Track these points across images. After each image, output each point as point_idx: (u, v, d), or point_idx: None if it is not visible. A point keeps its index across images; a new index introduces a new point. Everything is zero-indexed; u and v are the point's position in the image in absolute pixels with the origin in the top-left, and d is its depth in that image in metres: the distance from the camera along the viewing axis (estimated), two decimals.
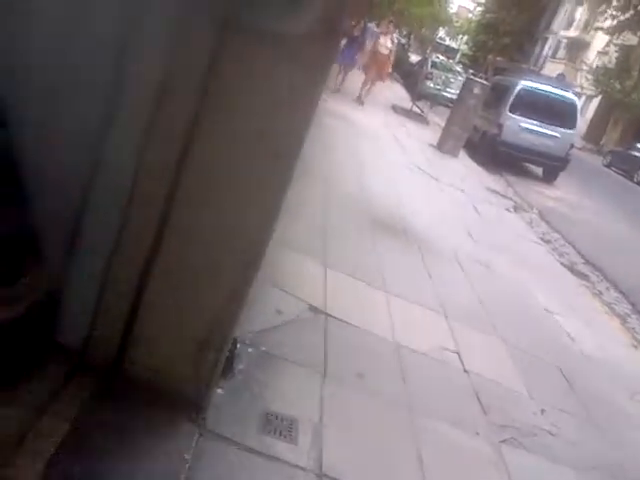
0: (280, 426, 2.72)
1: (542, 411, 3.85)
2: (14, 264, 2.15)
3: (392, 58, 16.61)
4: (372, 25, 24.38)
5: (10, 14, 2.02)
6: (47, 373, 2.30)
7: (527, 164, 16.22)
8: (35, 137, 2.17)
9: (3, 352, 2.06)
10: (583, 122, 32.64)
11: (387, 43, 16.07)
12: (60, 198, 2.23)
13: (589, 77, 37.65)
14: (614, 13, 35.56)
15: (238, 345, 2.99)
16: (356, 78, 17.01)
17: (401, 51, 24.72)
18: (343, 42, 14.87)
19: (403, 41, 27.32)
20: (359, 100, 15.42)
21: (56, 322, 2.37)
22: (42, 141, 2.18)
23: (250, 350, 3.16)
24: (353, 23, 17.60)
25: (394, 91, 22.89)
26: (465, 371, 3.97)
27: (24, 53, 2.11)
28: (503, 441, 3.37)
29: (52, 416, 2.16)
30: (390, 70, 17.48)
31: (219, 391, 2.71)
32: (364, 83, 15.83)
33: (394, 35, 16.77)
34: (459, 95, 14.04)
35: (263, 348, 3.24)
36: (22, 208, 2.16)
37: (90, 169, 2.20)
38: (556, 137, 14.95)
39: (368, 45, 17.65)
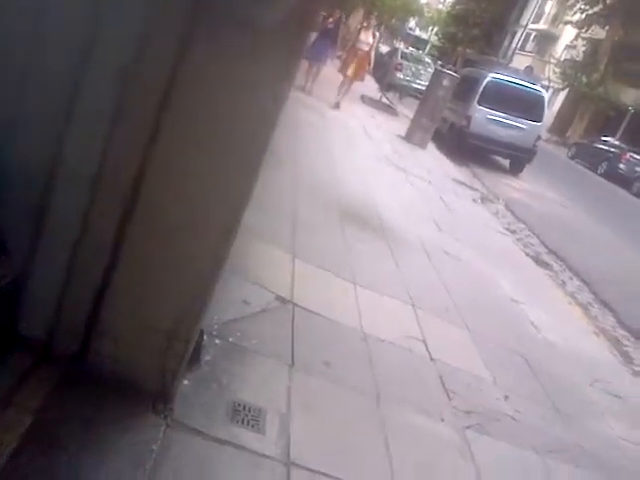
0: (247, 416, 2.73)
1: (506, 397, 3.93)
2: None
3: (372, 55, 15.20)
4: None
5: None
6: (10, 364, 2.28)
7: (494, 156, 16.39)
8: None
9: None
10: (550, 115, 33.09)
11: (368, 38, 14.80)
12: (24, 188, 2.21)
13: (557, 70, 38.09)
14: (583, 7, 36.04)
15: (205, 336, 2.98)
16: (330, 77, 15.76)
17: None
18: (313, 35, 13.75)
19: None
20: (336, 105, 13.71)
21: (20, 313, 2.35)
22: (5, 131, 2.16)
23: (217, 341, 3.17)
24: (325, 14, 16.24)
25: (363, 81, 22.85)
26: (431, 359, 4.02)
27: None
28: (468, 427, 3.43)
29: (15, 408, 2.15)
30: (370, 68, 15.85)
31: (186, 382, 2.71)
32: (341, 84, 14.33)
33: (375, 30, 15.73)
34: (428, 87, 14.15)
35: (230, 339, 3.25)
36: None
37: (54, 158, 2.18)
38: (523, 129, 15.13)
39: (344, 40, 16.21)
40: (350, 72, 14.29)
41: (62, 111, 2.15)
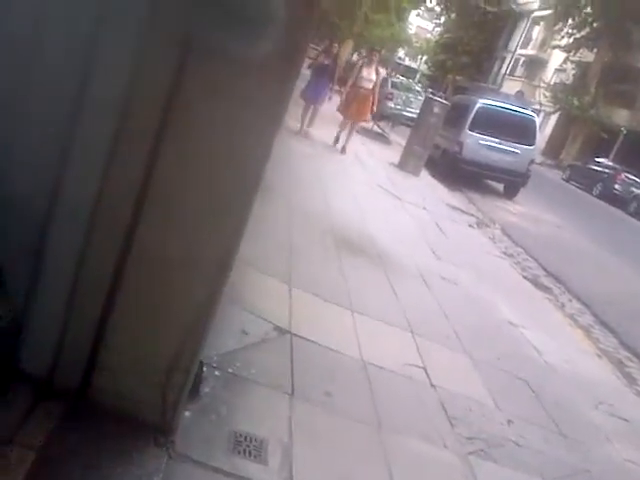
0: (249, 447, 2.72)
1: (509, 422, 3.91)
2: None
3: (377, 94, 13.00)
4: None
5: None
6: (12, 401, 2.28)
7: (488, 181, 16.48)
8: None
9: None
10: (542, 138, 33.38)
11: (371, 75, 12.69)
12: (21, 228, 2.22)
13: (547, 94, 38.49)
14: (570, 31, 36.59)
15: (205, 367, 2.98)
16: (328, 116, 14.63)
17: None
18: (308, 72, 13.20)
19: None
20: (342, 150, 12.43)
21: (21, 350, 2.35)
22: (2, 170, 2.18)
23: (217, 372, 3.16)
24: (320, 50, 15.26)
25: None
26: (432, 386, 4.01)
27: None
28: (471, 453, 3.41)
29: (19, 446, 2.15)
30: (374, 108, 13.27)
31: (187, 414, 2.70)
32: (341, 125, 12.99)
33: (379, 67, 13.23)
34: (419, 114, 14.26)
35: (230, 370, 3.24)
36: None
37: (52, 193, 2.21)
38: (516, 153, 15.25)
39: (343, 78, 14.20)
40: (352, 113, 12.73)
41: (58, 149, 2.18)
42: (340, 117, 13.34)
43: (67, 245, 2.28)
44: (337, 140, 12.87)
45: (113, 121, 2.15)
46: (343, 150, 12.42)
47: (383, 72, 13.92)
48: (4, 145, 2.18)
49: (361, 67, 12.93)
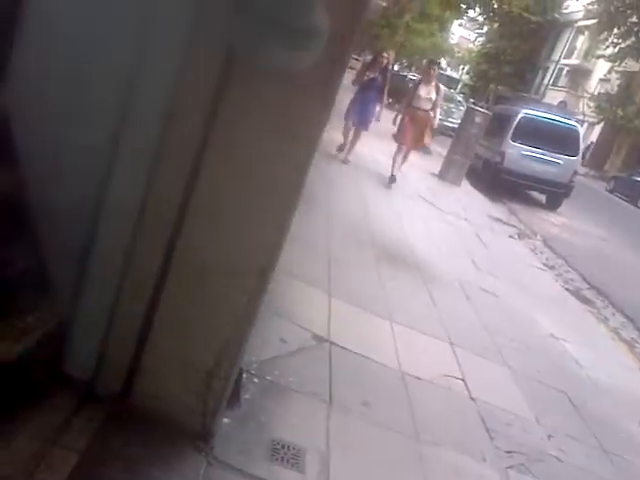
0: (287, 455, 2.74)
1: (549, 437, 3.85)
2: (25, 298, 2.20)
3: (437, 115, 10.91)
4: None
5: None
6: (56, 404, 2.33)
7: (530, 191, 16.28)
8: (42, 172, 2.24)
9: (14, 385, 2.10)
10: (586, 149, 32.82)
11: (430, 94, 10.55)
12: (68, 231, 2.28)
13: (591, 104, 37.91)
14: (615, 40, 35.91)
15: (244, 375, 3.01)
16: (375, 139, 13.10)
17: (403, 82, 24.80)
18: (354, 89, 11.10)
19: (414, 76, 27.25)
20: (391, 179, 10.29)
21: (65, 354, 2.41)
22: (49, 175, 2.25)
23: (256, 380, 3.19)
24: (366, 60, 13.16)
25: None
26: (471, 398, 3.97)
27: (32, 90, 2.19)
28: (510, 467, 3.37)
29: (62, 447, 2.19)
30: (432, 133, 11.19)
31: (226, 420, 2.73)
32: (396, 154, 10.58)
33: (438, 83, 11.02)
34: (460, 124, 14.20)
35: (269, 377, 3.27)
36: (32, 243, 2.22)
37: (97, 201, 2.27)
38: (559, 164, 15.03)
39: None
40: (408, 140, 10.60)
41: (106, 153, 2.24)
42: (394, 144, 11.13)
43: (112, 251, 2.34)
44: (392, 177, 10.35)
45: (158, 130, 2.20)
46: (392, 179, 10.28)
47: (444, 89, 11.32)
48: (53, 150, 2.25)
49: (417, 85, 10.90)
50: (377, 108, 10.97)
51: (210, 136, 2.20)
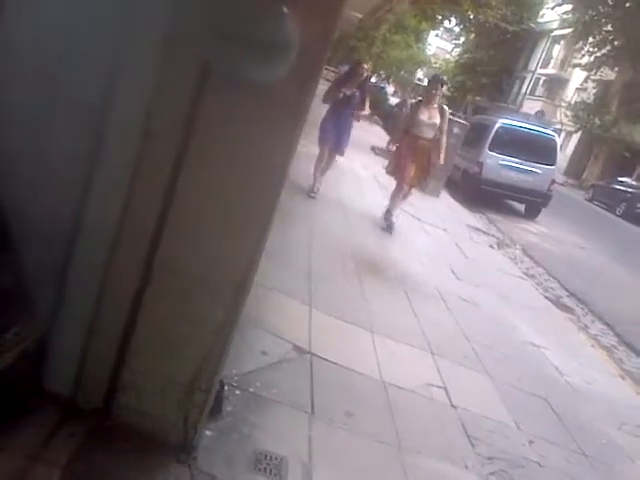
0: (270, 465, 2.75)
1: (530, 442, 3.89)
2: (3, 314, 2.20)
3: (444, 145, 8.34)
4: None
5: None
6: (37, 420, 2.34)
7: (509, 201, 16.42)
8: (20, 188, 2.24)
9: None
10: (564, 158, 33.23)
11: (433, 118, 8.13)
12: (46, 248, 2.29)
13: (568, 113, 38.33)
14: (591, 49, 36.42)
15: (225, 387, 3.02)
16: (350, 163, 11.89)
17: (380, 94, 24.92)
18: (326, 106, 8.99)
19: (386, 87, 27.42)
20: (388, 227, 8.37)
21: (44, 369, 2.41)
22: (27, 192, 2.26)
23: (237, 392, 3.20)
24: (340, 72, 11.56)
25: (373, 133, 22.87)
26: (452, 406, 4.01)
27: (7, 103, 2.20)
28: (492, 473, 3.40)
29: (44, 464, 2.20)
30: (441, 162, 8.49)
31: (208, 433, 2.74)
32: (394, 195, 8.51)
33: (443, 105, 8.55)
34: None
35: (250, 389, 3.28)
36: (10, 259, 2.22)
37: (75, 214, 2.28)
38: (537, 173, 15.18)
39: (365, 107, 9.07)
40: (407, 176, 8.27)
41: (82, 171, 2.26)
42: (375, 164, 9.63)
43: (90, 266, 2.36)
44: (389, 216, 8.49)
45: (135, 144, 2.23)
46: (389, 226, 8.35)
47: (448, 111, 8.51)
48: (30, 165, 2.26)
49: (417, 106, 8.30)
50: (350, 128, 9.15)
51: (186, 150, 2.23)
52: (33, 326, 2.33)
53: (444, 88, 8.64)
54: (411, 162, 8.19)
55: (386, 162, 9.16)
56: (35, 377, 2.40)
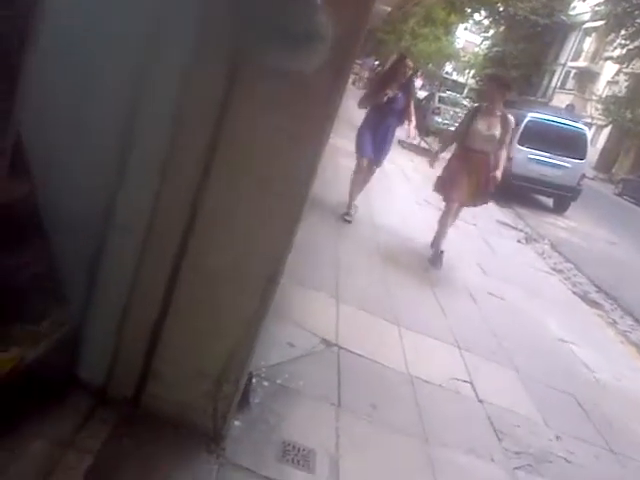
0: (297, 456, 2.78)
1: (557, 438, 3.87)
2: (39, 304, 2.26)
3: (503, 161, 6.73)
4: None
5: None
6: (71, 408, 2.39)
7: (538, 196, 16.26)
8: (54, 183, 2.29)
9: (29, 389, 2.16)
10: (594, 152, 32.74)
11: (493, 129, 6.63)
12: (81, 238, 2.34)
13: (599, 107, 37.81)
14: (623, 42, 35.82)
15: (254, 379, 3.06)
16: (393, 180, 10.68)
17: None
18: (367, 110, 7.61)
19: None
20: (436, 260, 6.82)
21: (78, 358, 2.47)
22: (61, 184, 2.31)
23: (265, 383, 3.24)
24: (379, 69, 9.56)
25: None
26: (479, 400, 4.01)
27: (43, 103, 2.24)
28: (518, 467, 3.40)
29: (77, 450, 2.25)
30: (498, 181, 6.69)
31: (237, 423, 2.78)
32: (444, 217, 7.11)
33: (507, 113, 6.85)
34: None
35: (278, 381, 3.32)
36: (46, 251, 2.28)
37: (108, 205, 2.32)
38: (566, 167, 14.99)
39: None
40: (458, 195, 6.89)
41: (115, 165, 2.30)
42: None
43: (123, 257, 2.40)
44: (438, 253, 6.92)
45: (167, 139, 2.26)
46: (437, 261, 6.82)
47: (513, 121, 6.95)
48: (65, 162, 2.31)
49: (474, 114, 6.90)
50: (392, 138, 7.78)
51: (217, 143, 2.25)
52: (68, 316, 2.38)
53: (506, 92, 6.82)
54: (463, 179, 6.79)
55: (416, 157, 8.46)
56: (69, 365, 2.46)
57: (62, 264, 2.36)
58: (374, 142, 7.41)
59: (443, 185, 7.09)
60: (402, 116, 7.52)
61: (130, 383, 2.54)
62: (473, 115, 6.88)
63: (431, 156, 7.61)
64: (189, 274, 2.41)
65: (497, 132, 6.61)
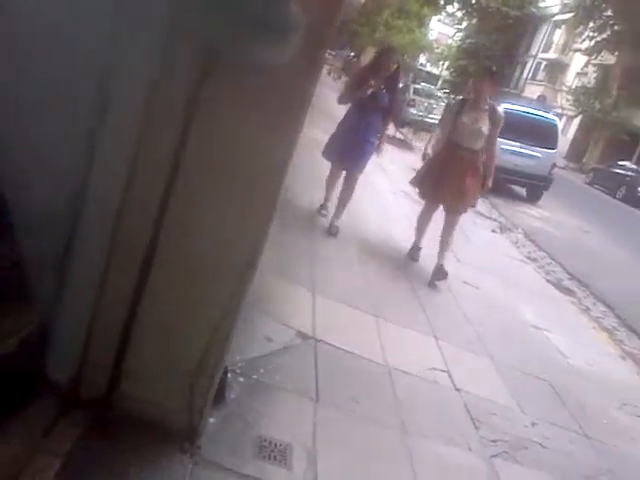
0: (274, 452, 2.75)
1: (533, 424, 3.90)
2: (5, 302, 2.20)
3: (494, 160, 6.35)
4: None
5: None
6: (39, 409, 2.33)
7: (511, 185, 16.38)
8: (20, 174, 2.23)
9: None
10: (565, 142, 33.10)
11: (481, 122, 6.04)
12: (47, 234, 2.29)
13: (569, 98, 38.21)
14: (591, 34, 36.30)
15: (229, 374, 3.02)
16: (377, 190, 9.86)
17: None
18: (350, 109, 6.67)
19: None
20: (440, 274, 6.03)
21: (47, 358, 2.41)
22: (27, 178, 2.25)
23: (241, 379, 3.20)
24: (354, 59, 8.08)
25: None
26: (456, 389, 4.02)
27: (5, 97, 2.19)
28: (495, 455, 3.42)
29: (45, 453, 2.18)
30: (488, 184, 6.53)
31: (212, 420, 2.74)
32: (423, 217, 6.70)
33: (495, 105, 6.20)
34: (440, 119, 14.22)
35: (254, 376, 3.29)
36: (12, 248, 2.22)
37: (76, 200, 2.27)
38: (538, 157, 15.13)
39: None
40: (445, 195, 6.34)
41: (82, 160, 2.24)
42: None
43: (92, 253, 2.33)
44: (417, 249, 6.75)
45: (136, 130, 2.21)
46: (438, 275, 6.06)
47: (501, 113, 6.16)
48: (30, 156, 2.25)
49: (460, 107, 6.29)
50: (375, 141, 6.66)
51: (189, 133, 2.21)
52: (35, 313, 2.33)
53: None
54: (446, 178, 6.22)
55: (392, 149, 7.25)
56: (37, 365, 2.40)
57: (30, 261, 2.30)
58: (352, 145, 6.45)
59: (422, 181, 6.56)
60: (387, 114, 6.58)
61: (102, 382, 2.48)
62: (459, 108, 6.28)
63: (422, 156, 6.97)
64: (162, 266, 2.35)
65: (485, 127, 6.05)
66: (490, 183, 6.46)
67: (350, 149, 6.46)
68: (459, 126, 6.14)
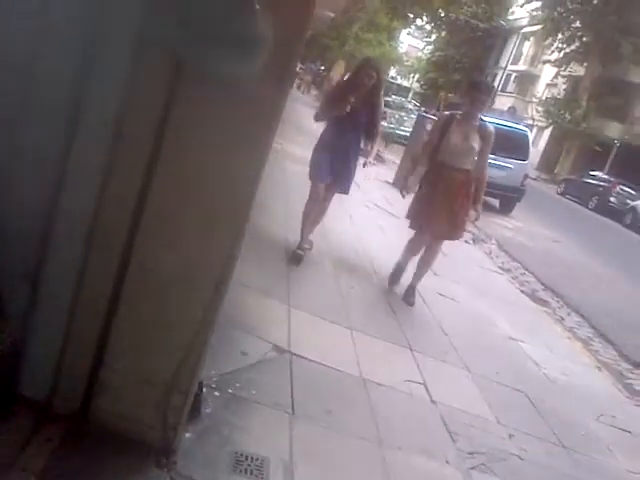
0: (251, 466, 2.73)
1: (510, 436, 3.91)
2: None
3: (484, 181, 6.00)
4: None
5: None
6: (13, 425, 2.29)
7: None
8: None
9: None
10: (536, 153, 33.57)
11: (471, 140, 5.58)
12: (19, 249, 2.25)
13: (539, 109, 38.76)
14: (560, 46, 36.96)
15: (204, 389, 2.99)
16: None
17: None
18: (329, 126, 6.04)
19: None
20: (409, 295, 5.91)
21: (20, 374, 2.36)
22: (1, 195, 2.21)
23: (217, 393, 3.17)
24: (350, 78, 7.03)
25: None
26: (432, 401, 4.01)
27: None
28: (473, 467, 3.41)
29: (19, 470, 2.15)
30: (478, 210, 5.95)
31: (187, 435, 2.71)
32: (410, 247, 6.20)
33: (488, 124, 5.82)
34: (412, 132, 14.33)
35: (230, 390, 3.25)
36: None
37: (48, 216, 2.24)
38: (510, 168, 15.26)
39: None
40: (431, 222, 5.83)
41: (54, 173, 2.21)
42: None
43: (64, 267, 2.31)
44: (396, 276, 6.26)
45: (108, 143, 2.19)
46: (409, 298, 5.90)
47: (493, 132, 5.73)
48: (1, 164, 2.22)
49: (447, 123, 5.76)
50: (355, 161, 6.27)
51: (160, 147, 2.20)
52: (6, 329, 2.28)
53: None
54: (435, 204, 5.72)
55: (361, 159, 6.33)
56: (10, 381, 2.35)
57: (1, 275, 2.26)
58: (333, 164, 5.93)
59: (414, 213, 6.01)
60: (368, 131, 6.08)
61: (76, 397, 2.44)
62: (445, 125, 5.74)
63: (400, 184, 6.21)
64: (135, 282, 2.34)
65: (475, 144, 5.60)
66: (480, 210, 5.95)
67: (333, 171, 5.96)
68: (448, 145, 5.63)
